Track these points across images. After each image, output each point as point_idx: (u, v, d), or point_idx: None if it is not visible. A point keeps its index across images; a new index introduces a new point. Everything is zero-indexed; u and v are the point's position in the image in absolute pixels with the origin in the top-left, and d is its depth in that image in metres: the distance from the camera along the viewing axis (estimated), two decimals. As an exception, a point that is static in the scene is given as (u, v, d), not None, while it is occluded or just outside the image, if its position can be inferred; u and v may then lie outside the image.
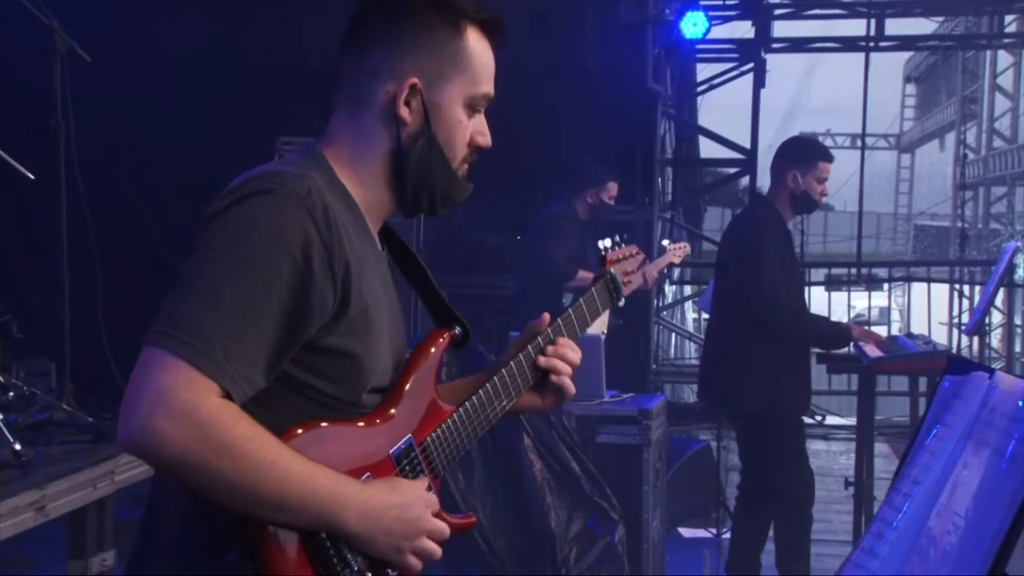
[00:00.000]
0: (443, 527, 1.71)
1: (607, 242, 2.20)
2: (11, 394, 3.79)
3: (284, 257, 1.57)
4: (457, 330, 1.88)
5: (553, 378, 1.94)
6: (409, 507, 1.66)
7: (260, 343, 1.56)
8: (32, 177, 3.93)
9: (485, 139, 1.82)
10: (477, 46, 1.78)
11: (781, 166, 4.85)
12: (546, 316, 1.98)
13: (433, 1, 1.76)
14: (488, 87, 1.80)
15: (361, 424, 1.69)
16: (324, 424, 1.63)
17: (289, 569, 1.57)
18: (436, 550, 1.69)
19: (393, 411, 1.74)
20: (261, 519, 1.55)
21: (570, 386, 1.96)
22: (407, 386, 1.76)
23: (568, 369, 1.95)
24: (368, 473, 1.66)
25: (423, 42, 1.74)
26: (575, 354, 1.97)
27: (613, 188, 6.44)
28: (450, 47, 1.75)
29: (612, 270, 2.16)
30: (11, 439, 3.36)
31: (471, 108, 1.79)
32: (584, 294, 2.08)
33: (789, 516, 4.84)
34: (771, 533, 4.97)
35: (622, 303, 2.18)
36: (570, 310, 2.03)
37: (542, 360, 1.93)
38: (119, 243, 6.36)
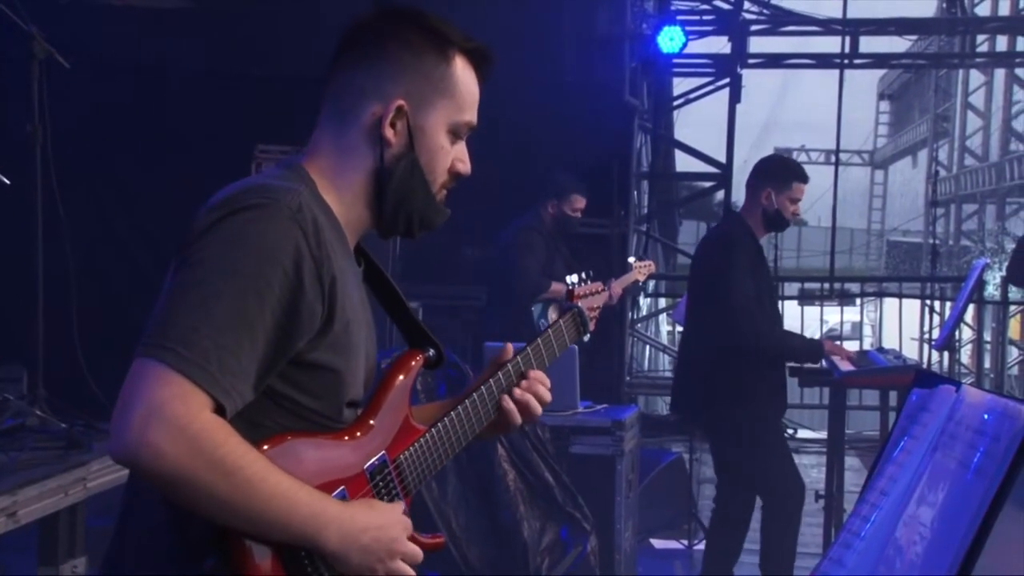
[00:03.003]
0: (417, 552, 1.73)
1: (574, 277, 2.24)
2: (-17, 400, 3.76)
3: (276, 271, 1.58)
4: (431, 352, 1.90)
5: (521, 416, 1.97)
6: (386, 529, 1.67)
7: (252, 356, 1.56)
8: (8, 182, 3.92)
9: (465, 166, 1.85)
10: (464, 74, 1.80)
11: (756, 183, 4.89)
12: (510, 347, 2.01)
13: (424, 27, 1.78)
14: (472, 116, 1.83)
15: (335, 438, 1.71)
16: (291, 438, 1.64)
17: None
18: (409, 573, 1.71)
19: (369, 426, 1.75)
20: (243, 533, 1.56)
21: (537, 412, 1.99)
22: (383, 403, 1.78)
23: (539, 408, 1.99)
24: (343, 487, 1.68)
25: (411, 66, 1.76)
26: (547, 392, 2.00)
27: (577, 200, 6.41)
28: (437, 73, 1.77)
29: (579, 304, 2.20)
30: (-17, 445, 3.34)
31: (454, 135, 1.82)
32: (552, 327, 2.12)
33: (775, 520, 4.85)
34: (749, 544, 4.99)
35: (587, 338, 2.22)
36: (539, 340, 2.06)
37: (518, 393, 1.96)
38: (94, 249, 6.33)
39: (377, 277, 1.93)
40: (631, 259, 6.57)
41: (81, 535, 3.74)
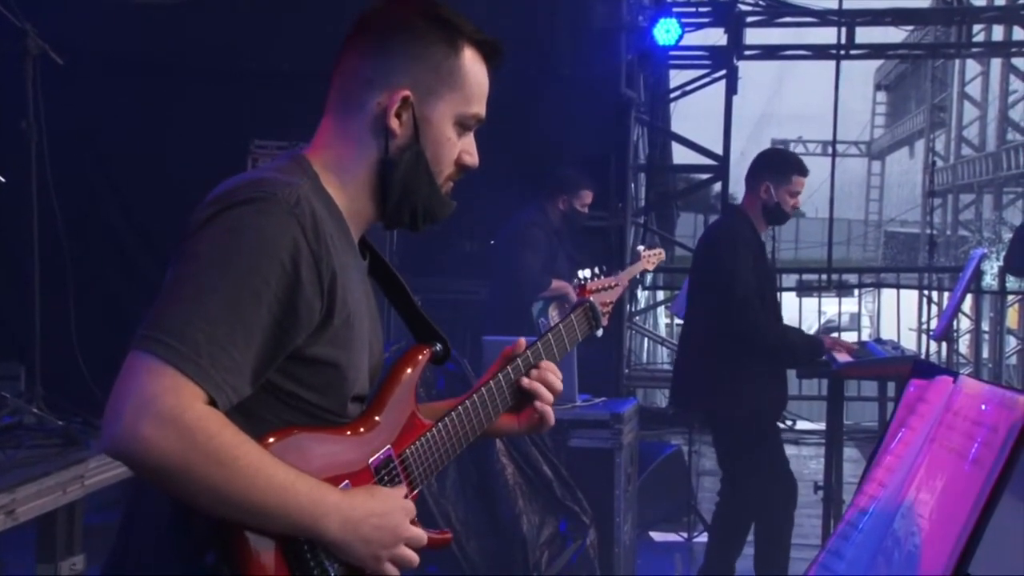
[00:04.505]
0: (420, 534, 1.72)
1: (586, 272, 2.23)
2: (-20, 398, 3.76)
3: (273, 265, 1.58)
4: (438, 347, 1.89)
5: (537, 404, 1.97)
6: (388, 515, 1.67)
7: (247, 351, 1.56)
8: (3, 180, 3.92)
9: (472, 159, 1.83)
10: (473, 67, 1.78)
11: (755, 176, 4.87)
12: (522, 341, 2.01)
13: (432, 18, 1.76)
14: (480, 108, 1.81)
15: (340, 433, 1.70)
16: (297, 432, 1.63)
17: (266, 572, 1.58)
18: (413, 557, 1.70)
19: (374, 421, 1.75)
20: (242, 524, 1.55)
21: (551, 414, 1.99)
22: (389, 398, 1.77)
23: (550, 396, 1.98)
24: (347, 481, 1.67)
25: (419, 57, 1.75)
26: (558, 381, 2.00)
27: (587, 196, 6.36)
28: (446, 64, 1.76)
29: (591, 299, 2.18)
30: (-20, 443, 3.34)
31: (461, 127, 1.80)
32: (564, 321, 2.11)
33: (769, 518, 4.85)
34: (749, 536, 4.99)
35: (600, 333, 2.20)
36: (549, 335, 2.05)
37: (525, 382, 1.96)
38: (90, 246, 6.33)
39: (383, 270, 1.92)
40: (640, 247, 6.48)
41: (79, 532, 3.73)
